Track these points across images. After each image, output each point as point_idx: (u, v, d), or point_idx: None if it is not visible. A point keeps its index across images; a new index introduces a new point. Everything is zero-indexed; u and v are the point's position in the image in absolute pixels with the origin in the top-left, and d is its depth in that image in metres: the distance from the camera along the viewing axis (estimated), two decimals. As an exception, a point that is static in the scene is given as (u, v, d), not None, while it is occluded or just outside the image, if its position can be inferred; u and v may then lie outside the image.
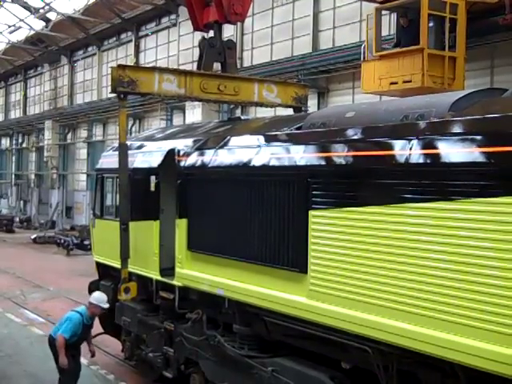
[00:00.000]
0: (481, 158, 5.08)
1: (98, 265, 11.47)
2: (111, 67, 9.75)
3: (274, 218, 7.11)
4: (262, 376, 7.58)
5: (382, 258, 5.77)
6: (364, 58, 16.46)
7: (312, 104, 19.11)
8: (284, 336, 7.49)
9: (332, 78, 21.58)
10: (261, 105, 11.17)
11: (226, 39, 10.91)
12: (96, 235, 11.74)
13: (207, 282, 8.27)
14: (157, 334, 9.81)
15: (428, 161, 5.49)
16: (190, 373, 9.23)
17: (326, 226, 6.37)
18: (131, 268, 9.74)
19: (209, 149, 8.58)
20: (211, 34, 10.83)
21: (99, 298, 9.27)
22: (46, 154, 41.09)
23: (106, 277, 11.18)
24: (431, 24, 14.88)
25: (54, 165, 40.31)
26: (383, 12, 16.15)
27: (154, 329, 9.88)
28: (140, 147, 10.50)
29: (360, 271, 5.99)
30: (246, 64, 25.43)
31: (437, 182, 5.36)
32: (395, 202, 5.67)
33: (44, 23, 40.02)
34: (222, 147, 8.34)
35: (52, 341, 9.17)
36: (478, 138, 5.17)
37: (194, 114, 25.95)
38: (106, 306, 9.30)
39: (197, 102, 24.69)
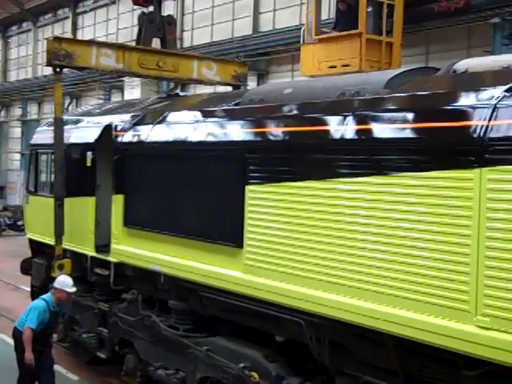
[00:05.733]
0: (413, 134, 5.21)
1: (31, 242, 11.24)
2: (47, 39, 9.52)
3: (210, 193, 7.12)
4: (196, 355, 7.60)
5: (316, 232, 5.86)
6: (303, 41, 16.54)
7: (252, 86, 19.11)
8: (219, 311, 7.53)
9: (272, 60, 21.60)
10: (200, 82, 11.14)
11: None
12: (29, 212, 11.50)
13: (143, 257, 8.22)
14: (91, 314, 9.71)
15: (363, 136, 5.59)
16: (125, 353, 9.16)
17: (262, 201, 6.42)
18: (66, 245, 9.61)
19: (146, 124, 8.50)
20: (151, 9, 10.71)
21: (63, 281, 8.24)
22: (-23, 132, 39.87)
23: (40, 254, 10.97)
24: (369, 9, 15.08)
25: (-14, 143, 39.16)
26: (323, -5, 16.23)
27: (88, 309, 9.78)
28: (76, 122, 10.33)
29: (294, 245, 6.07)
30: (186, 44, 25.15)
31: (371, 157, 5.46)
32: (331, 177, 5.75)
33: (-24, -4, 38.63)
34: (159, 123, 8.27)
35: (18, 333, 8.15)
36: (411, 114, 5.30)
37: (133, 93, 25.49)
38: (72, 290, 8.30)
39: (136, 82, 24.34)
